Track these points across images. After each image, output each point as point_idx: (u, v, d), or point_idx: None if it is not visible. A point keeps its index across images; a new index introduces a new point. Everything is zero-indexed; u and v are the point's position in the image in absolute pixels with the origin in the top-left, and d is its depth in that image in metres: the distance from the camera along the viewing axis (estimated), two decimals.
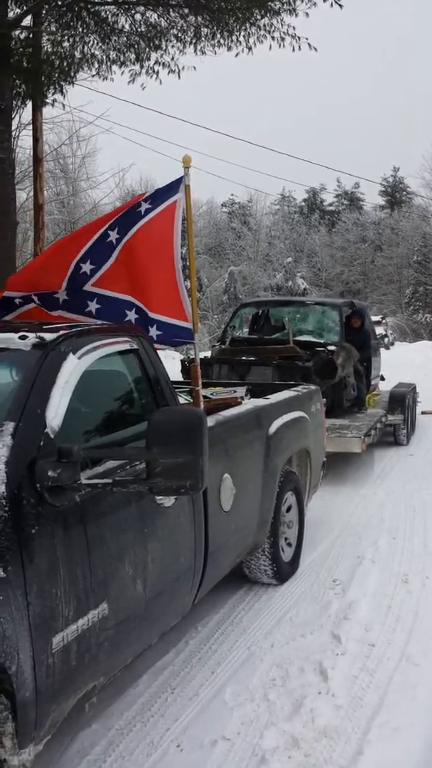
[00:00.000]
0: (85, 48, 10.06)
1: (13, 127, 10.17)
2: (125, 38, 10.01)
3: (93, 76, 10.47)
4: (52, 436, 2.32)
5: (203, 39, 10.03)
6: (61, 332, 2.72)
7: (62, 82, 9.77)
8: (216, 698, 3.18)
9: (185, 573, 3.16)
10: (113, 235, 3.75)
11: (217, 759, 2.74)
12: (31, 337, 2.60)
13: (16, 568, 2.04)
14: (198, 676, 3.38)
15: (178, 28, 10.04)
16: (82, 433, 2.69)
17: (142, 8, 9.83)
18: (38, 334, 2.64)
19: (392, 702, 3.11)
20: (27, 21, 9.55)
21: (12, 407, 2.32)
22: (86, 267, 3.69)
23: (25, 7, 9.09)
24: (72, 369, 2.58)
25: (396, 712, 3.03)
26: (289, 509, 4.71)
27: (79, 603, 2.31)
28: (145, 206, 3.85)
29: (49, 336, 2.63)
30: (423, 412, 11.40)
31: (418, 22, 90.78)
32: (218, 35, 9.92)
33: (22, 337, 2.60)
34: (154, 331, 3.81)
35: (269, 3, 9.38)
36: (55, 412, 2.39)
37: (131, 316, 3.77)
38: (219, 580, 3.76)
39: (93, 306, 3.73)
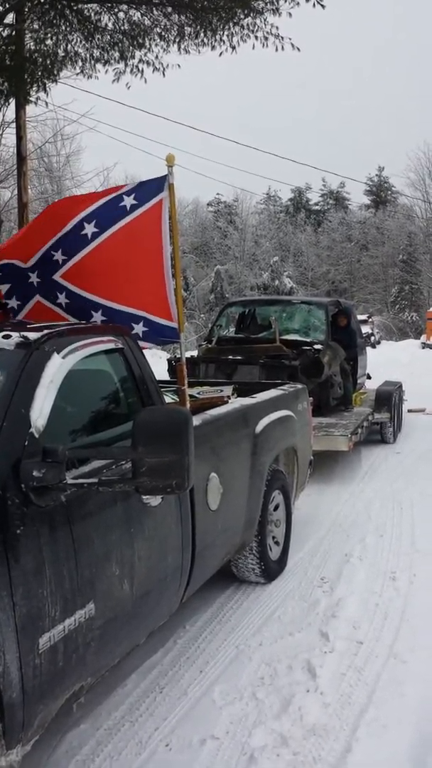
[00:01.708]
0: (69, 46, 10.05)
1: None
2: (109, 36, 10.00)
3: (77, 74, 10.47)
4: (36, 436, 2.30)
5: (187, 38, 10.05)
6: (45, 332, 2.70)
7: (46, 80, 9.74)
8: (204, 697, 3.17)
9: (173, 572, 3.15)
10: (89, 228, 3.67)
11: (205, 758, 2.74)
12: (15, 336, 2.58)
13: (2, 569, 2.03)
14: (186, 675, 3.38)
15: (162, 26, 10.04)
16: (67, 433, 2.68)
17: (125, 6, 9.82)
18: (22, 333, 2.62)
19: (380, 699, 3.12)
20: (9, 18, 9.51)
21: None
22: (58, 255, 3.65)
23: (7, 5, 9.04)
24: (56, 368, 2.56)
25: (384, 709, 3.04)
26: (276, 508, 4.71)
27: (66, 603, 2.30)
28: (129, 201, 3.77)
29: (33, 335, 2.61)
30: (409, 410, 11.46)
31: (401, 24, 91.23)
32: (202, 34, 9.93)
33: (6, 337, 2.58)
34: (139, 328, 3.77)
35: (252, 2, 9.40)
36: (40, 412, 2.37)
37: (97, 317, 3.73)
38: (207, 579, 3.75)
39: (62, 299, 3.71)
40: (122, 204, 3.74)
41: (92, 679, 2.59)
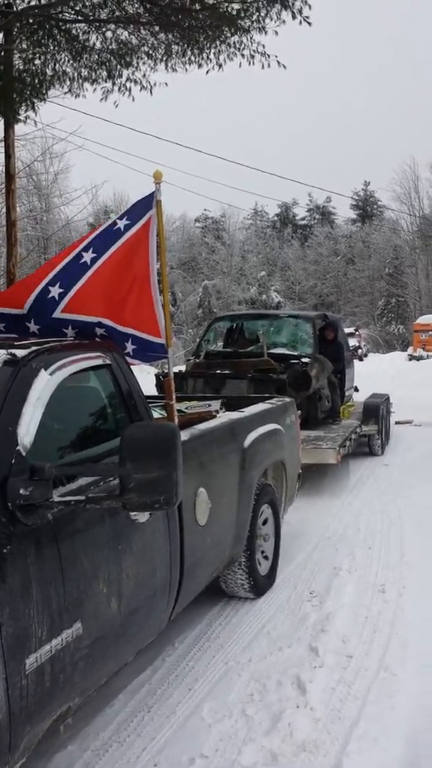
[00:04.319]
0: (57, 65, 10.11)
1: None
2: (96, 56, 10.07)
3: (65, 93, 10.52)
4: (23, 454, 2.30)
5: (174, 56, 10.13)
6: (33, 348, 2.70)
7: (34, 100, 9.79)
8: (193, 715, 3.15)
9: (161, 589, 3.14)
10: (87, 256, 3.62)
11: None
12: (2, 353, 2.58)
13: None
14: (175, 693, 3.35)
15: (149, 45, 10.13)
16: (54, 450, 2.67)
17: (112, 26, 9.90)
18: (9, 350, 2.61)
19: (371, 713, 3.11)
20: None
21: None
22: (54, 291, 3.48)
23: None
24: (44, 385, 2.56)
25: (375, 723, 3.03)
26: (265, 522, 4.70)
27: (53, 623, 2.28)
28: (122, 223, 3.80)
29: (20, 352, 2.61)
30: (397, 422, 11.51)
31: (390, 44, 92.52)
32: (189, 52, 10.02)
33: None
34: (129, 346, 3.77)
35: (239, 21, 9.50)
36: (27, 430, 2.36)
37: (99, 331, 3.70)
38: (196, 595, 3.74)
39: (70, 332, 3.51)
40: (116, 227, 3.76)
41: (80, 699, 2.56)
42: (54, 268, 3.58)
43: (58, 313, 3.44)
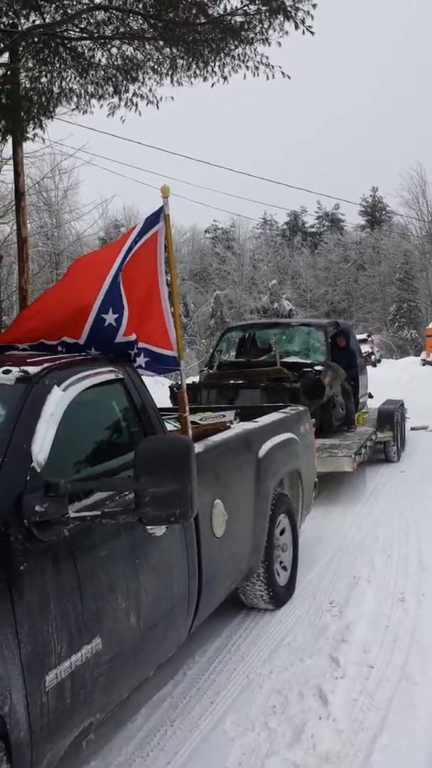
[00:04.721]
0: (63, 83, 10.22)
1: None
2: (102, 72, 10.16)
3: (72, 110, 10.62)
4: (38, 470, 2.31)
5: (179, 70, 10.20)
6: (45, 365, 2.72)
7: (42, 117, 9.88)
8: (216, 729, 3.13)
9: (179, 603, 3.13)
10: (119, 278, 3.63)
11: None
12: (15, 371, 2.60)
13: (5, 606, 2.02)
14: (197, 706, 3.34)
15: (154, 60, 10.21)
16: (69, 466, 2.68)
17: (117, 42, 9.99)
18: (22, 367, 2.64)
19: (393, 723, 3.08)
20: (4, 58, 9.69)
21: None
22: (109, 318, 3.44)
23: (1, 45, 9.22)
24: (57, 401, 2.57)
25: (398, 733, 3.00)
26: (282, 532, 4.68)
27: (72, 639, 2.28)
28: (132, 239, 3.84)
29: (33, 369, 2.63)
30: (412, 428, 11.44)
31: (403, 48, 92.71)
32: (194, 66, 10.08)
33: (6, 372, 2.60)
34: (141, 360, 3.79)
35: (242, 33, 9.56)
36: (41, 446, 2.38)
37: (141, 360, 3.65)
38: (215, 607, 3.73)
39: (141, 360, 3.57)
40: (129, 247, 3.77)
41: (101, 715, 2.56)
42: (97, 294, 3.50)
43: (120, 338, 3.42)
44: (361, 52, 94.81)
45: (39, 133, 10.29)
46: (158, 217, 3.94)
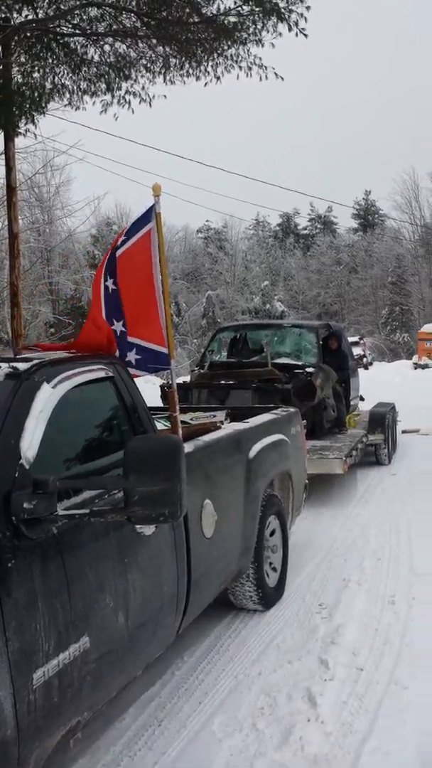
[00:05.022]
0: (56, 78, 10.19)
1: None
2: (95, 69, 10.14)
3: (65, 106, 10.59)
4: (27, 467, 2.28)
5: (172, 69, 10.20)
6: (35, 361, 2.69)
7: (34, 113, 9.85)
8: (204, 729, 3.11)
9: (168, 602, 3.11)
10: (110, 285, 3.77)
11: None
12: (4, 367, 2.57)
13: None
14: (185, 707, 3.31)
15: (147, 58, 10.20)
16: (58, 463, 2.65)
17: (110, 39, 9.97)
18: (11, 364, 2.60)
19: (382, 727, 3.07)
20: None
21: None
22: (118, 326, 3.72)
23: None
24: (46, 398, 2.54)
25: (387, 736, 2.99)
26: (272, 533, 4.67)
27: (60, 637, 2.26)
28: (122, 240, 3.88)
29: (22, 365, 2.60)
30: (404, 431, 11.46)
31: (396, 53, 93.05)
32: (187, 65, 10.09)
33: None
34: (132, 356, 3.79)
35: (236, 33, 9.55)
36: (30, 443, 2.34)
37: (131, 356, 3.79)
38: (204, 608, 3.70)
39: (132, 356, 3.76)
40: (118, 248, 3.83)
41: (89, 714, 2.53)
42: (100, 307, 3.75)
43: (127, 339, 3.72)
44: (361, 53, 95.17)
45: (31, 129, 10.28)
46: (150, 215, 3.93)
